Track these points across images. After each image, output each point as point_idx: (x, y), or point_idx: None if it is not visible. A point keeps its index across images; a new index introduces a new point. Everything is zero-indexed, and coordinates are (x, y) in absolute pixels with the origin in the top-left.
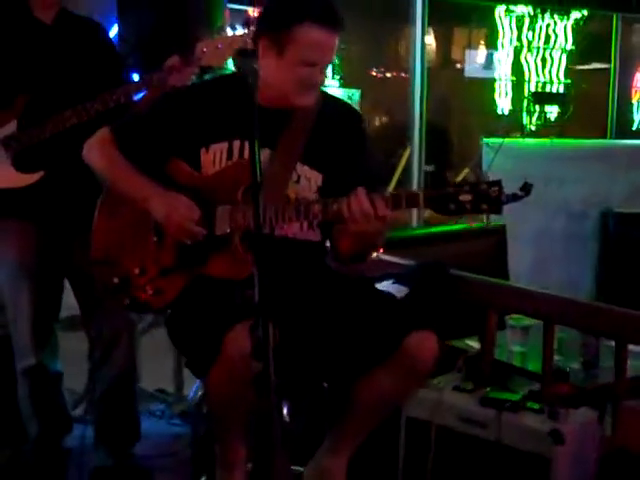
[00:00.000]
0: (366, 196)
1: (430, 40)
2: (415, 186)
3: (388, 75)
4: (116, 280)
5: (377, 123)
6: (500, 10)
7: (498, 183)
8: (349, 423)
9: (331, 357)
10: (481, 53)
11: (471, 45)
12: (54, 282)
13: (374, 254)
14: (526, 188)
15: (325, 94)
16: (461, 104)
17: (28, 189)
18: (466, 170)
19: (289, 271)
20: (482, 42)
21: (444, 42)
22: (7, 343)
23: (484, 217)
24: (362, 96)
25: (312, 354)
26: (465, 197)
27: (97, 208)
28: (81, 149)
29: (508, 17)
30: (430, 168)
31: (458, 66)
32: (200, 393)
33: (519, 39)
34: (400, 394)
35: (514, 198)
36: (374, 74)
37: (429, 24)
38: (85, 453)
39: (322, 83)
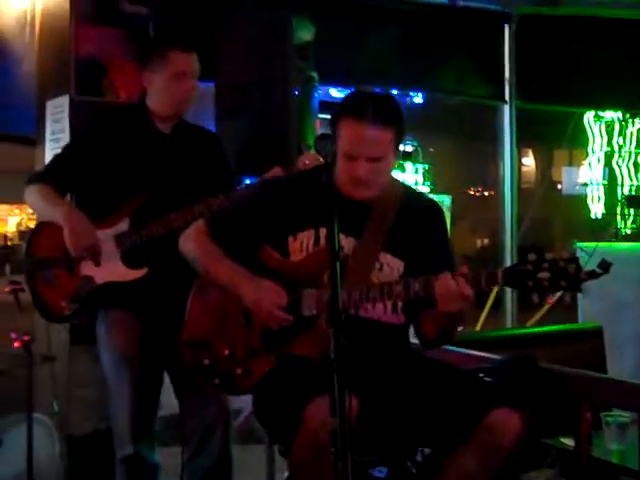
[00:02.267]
0: (451, 277)
1: (529, 161)
2: (509, 310)
3: (486, 194)
4: (207, 361)
5: (478, 244)
6: (589, 116)
7: (575, 260)
8: None
9: (412, 431)
10: (579, 171)
11: (571, 163)
12: (155, 373)
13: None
14: (604, 265)
15: (408, 188)
16: (559, 222)
17: (134, 283)
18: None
19: (373, 351)
20: (582, 161)
21: (542, 162)
22: (108, 435)
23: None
24: (452, 202)
25: (395, 431)
26: (543, 274)
27: (191, 293)
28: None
29: (598, 123)
30: None
31: (559, 186)
32: None
33: (609, 144)
34: (483, 473)
35: (593, 275)
36: (472, 192)
37: (525, 145)
38: None
39: (369, 178)
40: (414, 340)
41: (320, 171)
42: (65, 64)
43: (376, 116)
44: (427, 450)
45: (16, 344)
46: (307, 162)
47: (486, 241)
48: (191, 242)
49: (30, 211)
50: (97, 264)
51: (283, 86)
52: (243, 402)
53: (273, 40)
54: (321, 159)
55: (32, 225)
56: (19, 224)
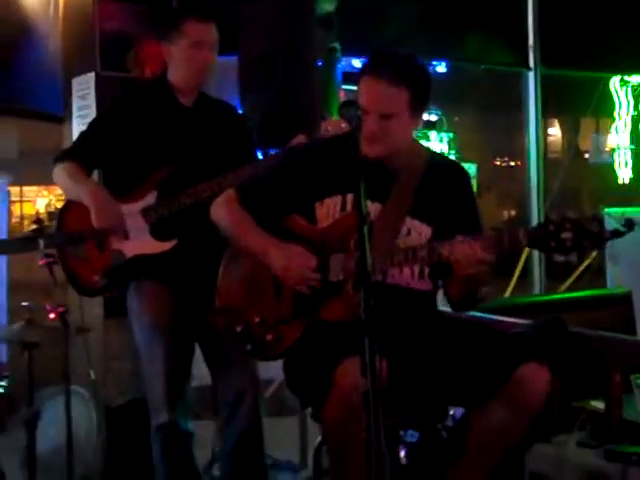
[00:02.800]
0: (466, 240)
1: (555, 131)
2: (537, 278)
3: (512, 164)
4: (239, 328)
5: (505, 216)
6: (615, 81)
7: (598, 219)
8: (465, 463)
9: (444, 390)
10: (606, 139)
11: (598, 131)
12: (186, 343)
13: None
14: (628, 224)
15: (433, 152)
16: (587, 191)
17: (164, 255)
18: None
19: (401, 317)
20: (608, 129)
21: (568, 131)
22: (143, 405)
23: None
24: (478, 170)
25: (426, 391)
26: (566, 234)
27: (222, 261)
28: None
29: (624, 88)
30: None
31: (586, 155)
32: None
33: (636, 108)
34: (513, 428)
35: (616, 234)
36: (498, 163)
37: (551, 114)
38: None
39: (379, 134)
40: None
41: (345, 138)
42: (90, 41)
43: (391, 73)
44: (457, 415)
45: (51, 315)
46: (329, 128)
47: (513, 212)
48: (222, 210)
49: (59, 192)
50: (124, 238)
51: (306, 57)
52: (274, 372)
53: (296, 11)
54: (343, 125)
55: (60, 206)
56: (48, 205)
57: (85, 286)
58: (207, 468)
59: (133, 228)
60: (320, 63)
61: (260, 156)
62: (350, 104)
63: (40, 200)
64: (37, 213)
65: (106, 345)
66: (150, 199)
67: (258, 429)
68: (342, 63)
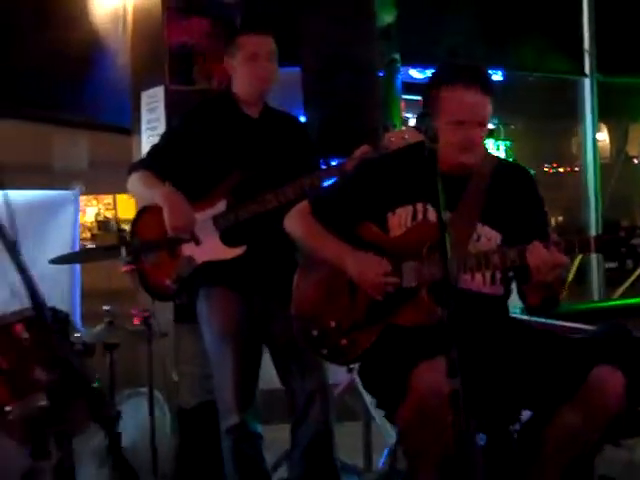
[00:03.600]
0: (544, 246)
1: (603, 136)
2: (595, 284)
3: (561, 170)
4: (315, 333)
5: (553, 222)
6: None
7: None
8: (540, 464)
9: (516, 393)
10: None
11: None
12: (254, 348)
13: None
14: None
15: (499, 159)
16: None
17: (233, 261)
18: None
19: (473, 322)
20: None
21: (617, 137)
22: (213, 407)
23: None
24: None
25: (497, 392)
26: (636, 241)
27: (297, 270)
28: (279, 225)
29: None
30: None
31: (635, 161)
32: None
33: None
34: (589, 432)
35: None
36: (546, 169)
37: (601, 120)
38: None
39: (478, 142)
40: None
41: (414, 150)
42: (158, 56)
43: (484, 83)
44: (525, 418)
45: (136, 320)
46: (393, 139)
47: (560, 219)
48: (295, 222)
49: (107, 201)
50: (196, 244)
51: (368, 69)
52: (339, 377)
53: (357, 23)
54: (406, 136)
55: (109, 215)
56: (97, 214)
57: (158, 291)
58: (273, 470)
59: (204, 235)
60: (381, 74)
61: (322, 166)
62: (425, 115)
63: (89, 209)
64: (117, 221)
65: (177, 349)
66: (220, 207)
67: (329, 432)
68: (400, 73)
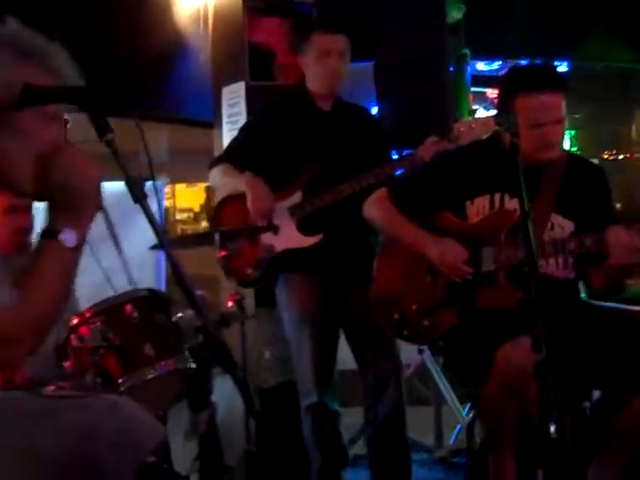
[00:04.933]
0: (625, 230)
1: None
2: None
3: (620, 157)
4: (396, 315)
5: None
6: None
7: None
8: (613, 445)
9: (588, 374)
10: None
11: None
12: (332, 330)
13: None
14: None
15: (570, 153)
16: None
17: (310, 248)
18: None
19: (548, 304)
20: None
21: None
22: (294, 387)
23: None
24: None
25: (571, 371)
26: None
27: (377, 255)
28: (353, 213)
29: None
30: None
31: None
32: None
33: None
34: None
35: None
36: (606, 156)
37: None
38: None
39: (558, 139)
40: None
41: (492, 141)
42: (239, 53)
43: (556, 82)
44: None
45: (229, 302)
46: (462, 129)
47: (618, 205)
48: (375, 209)
49: (165, 191)
50: (275, 233)
51: (439, 64)
52: (409, 358)
53: (428, 20)
54: (473, 125)
55: (167, 204)
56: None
57: (240, 278)
58: (349, 446)
59: (282, 224)
60: (452, 69)
61: (394, 156)
62: (505, 112)
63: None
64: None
65: (257, 332)
66: (296, 198)
67: (401, 411)
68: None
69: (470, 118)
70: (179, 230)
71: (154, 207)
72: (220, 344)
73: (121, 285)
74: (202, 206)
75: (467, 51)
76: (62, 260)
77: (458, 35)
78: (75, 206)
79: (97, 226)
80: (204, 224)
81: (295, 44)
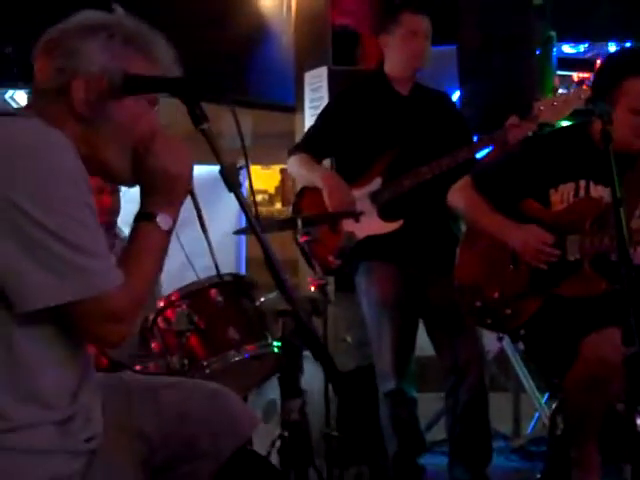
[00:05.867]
0: None
1: None
2: None
3: None
4: (478, 303)
5: None
6: None
7: None
8: None
9: None
10: None
11: None
12: (411, 317)
13: None
14: None
15: None
16: None
17: (391, 235)
18: None
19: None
20: None
21: None
22: (372, 371)
23: None
24: None
25: None
26: None
27: (460, 242)
28: (434, 199)
29: None
30: None
31: None
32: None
33: None
34: None
35: None
36: None
37: None
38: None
39: None
40: None
41: (578, 128)
42: (321, 38)
43: None
44: None
45: (312, 287)
46: (542, 108)
47: None
48: (458, 197)
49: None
50: (356, 220)
51: (525, 47)
52: (489, 345)
53: (513, 2)
54: (555, 103)
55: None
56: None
57: (321, 265)
58: (426, 431)
59: (362, 211)
60: (538, 52)
61: (475, 139)
62: (598, 99)
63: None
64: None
65: (337, 316)
66: (376, 184)
67: (484, 401)
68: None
69: (551, 96)
70: (253, 212)
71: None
72: (311, 332)
73: (202, 269)
74: (277, 188)
75: (553, 33)
76: (158, 242)
77: (544, 17)
78: (168, 190)
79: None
80: (278, 206)
81: (381, 24)
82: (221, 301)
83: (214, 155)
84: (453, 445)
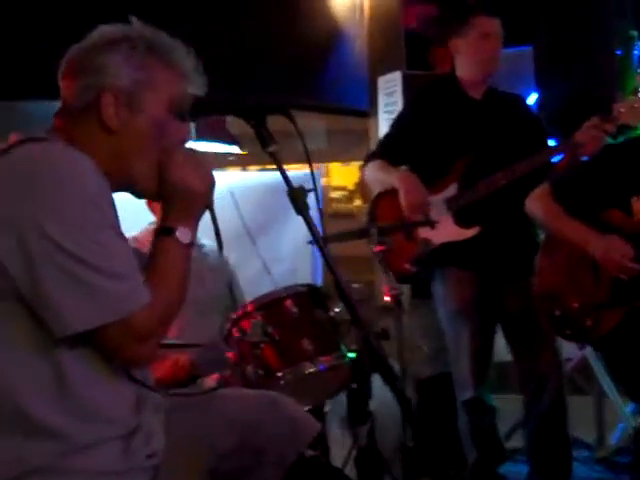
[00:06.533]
0: None
1: None
2: None
3: None
4: (558, 312)
5: None
6: None
7: None
8: None
9: None
10: None
11: None
12: (489, 325)
13: None
14: None
15: None
16: None
17: (468, 241)
18: None
19: None
20: None
21: None
22: (448, 379)
23: None
24: None
25: None
26: None
27: (540, 250)
28: (510, 204)
29: None
30: None
31: None
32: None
33: None
34: None
35: None
36: None
37: None
38: None
39: None
40: None
41: None
42: (395, 42)
43: None
44: None
45: (386, 297)
46: (622, 110)
47: None
48: (537, 205)
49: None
50: (431, 227)
51: (605, 46)
52: (570, 352)
53: (593, 3)
54: (636, 105)
55: (322, 182)
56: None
57: (397, 273)
58: (505, 440)
59: (438, 218)
60: (619, 52)
61: (552, 143)
62: None
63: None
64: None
65: (414, 323)
66: (451, 190)
67: (562, 408)
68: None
69: (632, 97)
70: (333, 208)
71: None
72: (380, 357)
73: (279, 274)
74: (356, 184)
75: (635, 33)
76: (179, 256)
77: (625, 17)
78: (188, 205)
79: (255, 220)
80: (358, 202)
81: (452, 27)
82: (296, 312)
83: (282, 177)
84: (531, 456)
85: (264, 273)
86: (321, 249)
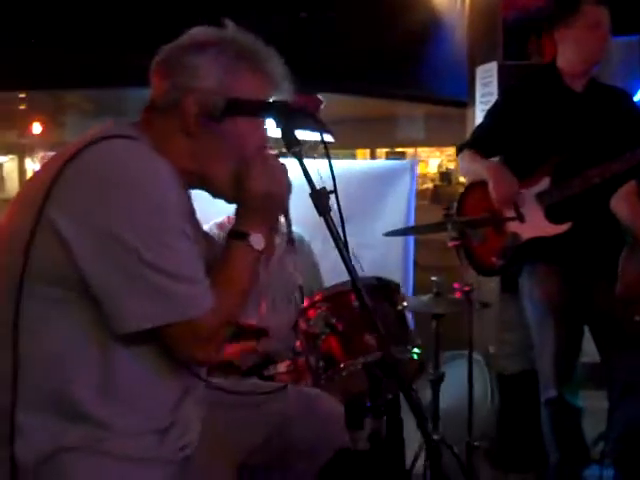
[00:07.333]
0: None
1: None
2: None
3: None
4: (638, 318)
5: None
6: None
7: None
8: None
9: None
10: None
11: None
12: (577, 324)
13: None
14: None
15: None
16: None
17: (557, 237)
18: None
19: None
20: None
21: None
22: (535, 376)
23: None
24: None
25: None
26: None
27: (624, 251)
28: (603, 201)
29: None
30: None
31: None
32: None
33: None
34: None
35: None
36: None
37: None
38: None
39: None
40: None
41: None
42: (494, 31)
43: None
44: None
45: (457, 294)
46: None
47: None
48: (622, 204)
49: (449, 152)
50: (521, 221)
51: None
52: None
53: None
54: None
55: (452, 166)
56: (439, 166)
57: (484, 267)
58: (593, 443)
59: (529, 212)
60: None
61: None
62: None
63: (432, 160)
64: (448, 207)
65: (501, 318)
66: (544, 184)
67: None
68: None
69: None
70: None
71: (407, 188)
72: (413, 399)
73: (368, 261)
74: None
75: None
76: (250, 262)
77: None
78: (265, 211)
79: (346, 208)
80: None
81: (558, 16)
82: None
83: (305, 178)
84: (617, 461)
85: (354, 260)
86: (340, 251)
